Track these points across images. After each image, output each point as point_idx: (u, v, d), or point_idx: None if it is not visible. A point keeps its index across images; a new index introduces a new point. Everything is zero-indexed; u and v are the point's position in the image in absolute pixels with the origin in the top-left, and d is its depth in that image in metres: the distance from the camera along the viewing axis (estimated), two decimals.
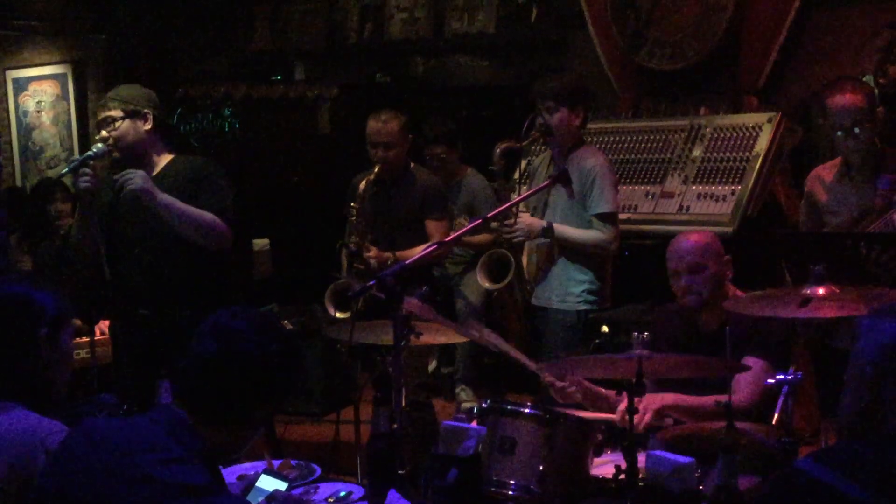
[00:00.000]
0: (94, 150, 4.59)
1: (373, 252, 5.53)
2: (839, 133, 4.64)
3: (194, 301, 4.48)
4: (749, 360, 3.83)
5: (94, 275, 4.68)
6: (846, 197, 4.76)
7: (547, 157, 5.46)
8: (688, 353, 3.88)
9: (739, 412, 3.60)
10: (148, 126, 4.66)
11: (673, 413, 3.89)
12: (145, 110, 4.66)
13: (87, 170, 4.52)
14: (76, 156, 4.61)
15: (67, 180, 5.48)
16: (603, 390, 4.03)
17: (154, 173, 4.66)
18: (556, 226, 5.11)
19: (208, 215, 4.53)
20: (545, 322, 5.31)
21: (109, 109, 4.66)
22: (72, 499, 2.43)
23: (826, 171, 4.90)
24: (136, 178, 4.44)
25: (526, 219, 5.16)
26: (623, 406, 3.74)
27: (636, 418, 3.66)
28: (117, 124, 4.63)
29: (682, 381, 3.94)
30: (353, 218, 5.62)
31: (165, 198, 4.49)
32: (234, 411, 2.56)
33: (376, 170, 5.63)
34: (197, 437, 2.48)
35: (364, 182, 5.64)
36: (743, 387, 3.83)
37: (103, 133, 4.66)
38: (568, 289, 5.20)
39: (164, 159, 4.73)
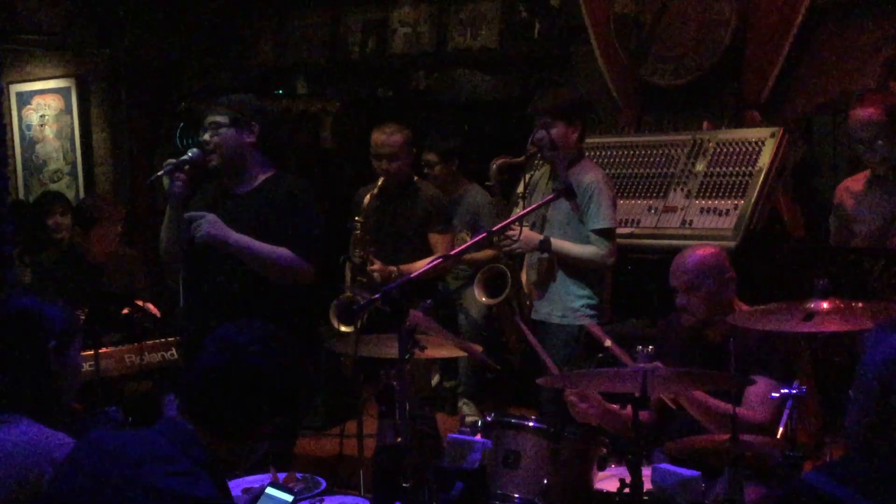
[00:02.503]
0: (190, 154, 4.45)
1: (377, 265, 5.54)
2: (860, 146, 4.70)
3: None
4: (757, 380, 3.83)
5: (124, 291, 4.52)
6: (875, 204, 4.80)
7: (546, 172, 5.47)
8: (693, 365, 3.89)
9: (757, 429, 3.61)
10: (251, 139, 4.49)
11: (685, 403, 3.88)
12: (252, 122, 4.48)
13: (181, 174, 4.41)
14: (172, 160, 4.42)
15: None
16: (614, 406, 4.03)
17: (251, 188, 4.53)
18: (553, 240, 5.12)
19: (286, 255, 4.38)
20: (546, 337, 5.30)
21: (217, 114, 4.49)
22: None
23: (854, 182, 4.96)
24: (202, 224, 4.31)
25: (524, 233, 5.17)
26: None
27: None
28: (221, 130, 4.46)
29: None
30: (358, 231, 5.63)
31: (239, 239, 4.35)
32: (240, 424, 2.56)
33: (380, 183, 5.65)
34: (203, 450, 2.49)
35: (368, 196, 5.65)
36: (756, 405, 3.83)
37: (205, 137, 4.48)
38: (568, 303, 5.20)
39: (264, 174, 4.55)
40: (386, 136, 5.69)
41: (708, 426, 3.82)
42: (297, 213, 4.46)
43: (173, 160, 4.44)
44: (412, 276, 3.63)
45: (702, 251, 4.18)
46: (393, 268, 5.49)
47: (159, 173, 4.49)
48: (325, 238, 4.53)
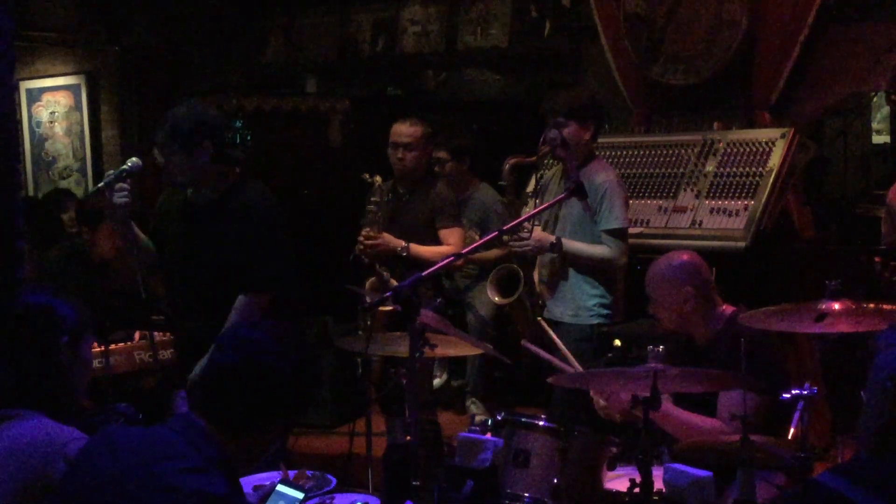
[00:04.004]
0: (129, 164, 4.42)
1: (383, 236, 5.52)
2: None
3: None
4: (732, 393, 3.79)
5: (131, 288, 4.60)
6: None
7: (558, 172, 5.46)
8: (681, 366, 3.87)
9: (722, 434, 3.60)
10: (205, 158, 4.48)
11: (661, 422, 3.87)
12: (203, 141, 4.46)
13: (124, 184, 4.39)
14: (111, 171, 4.48)
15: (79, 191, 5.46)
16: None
17: (211, 199, 4.57)
18: (564, 241, 5.11)
19: (243, 306, 4.44)
20: (558, 336, 5.30)
21: (164, 138, 4.48)
22: None
23: None
24: None
25: (537, 233, 5.17)
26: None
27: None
28: (174, 158, 4.47)
29: (685, 397, 3.93)
30: (371, 213, 5.61)
31: None
32: (253, 421, 2.56)
33: (377, 181, 5.65)
34: (216, 447, 2.49)
35: (381, 181, 5.66)
36: (727, 419, 3.79)
37: (159, 161, 4.51)
38: (580, 303, 5.20)
39: (224, 184, 4.58)
40: (406, 126, 5.75)
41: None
42: (252, 240, 4.49)
43: (112, 171, 4.44)
44: (423, 274, 3.60)
45: (665, 264, 4.16)
46: (402, 242, 5.49)
47: (100, 185, 4.45)
48: (284, 259, 4.63)
